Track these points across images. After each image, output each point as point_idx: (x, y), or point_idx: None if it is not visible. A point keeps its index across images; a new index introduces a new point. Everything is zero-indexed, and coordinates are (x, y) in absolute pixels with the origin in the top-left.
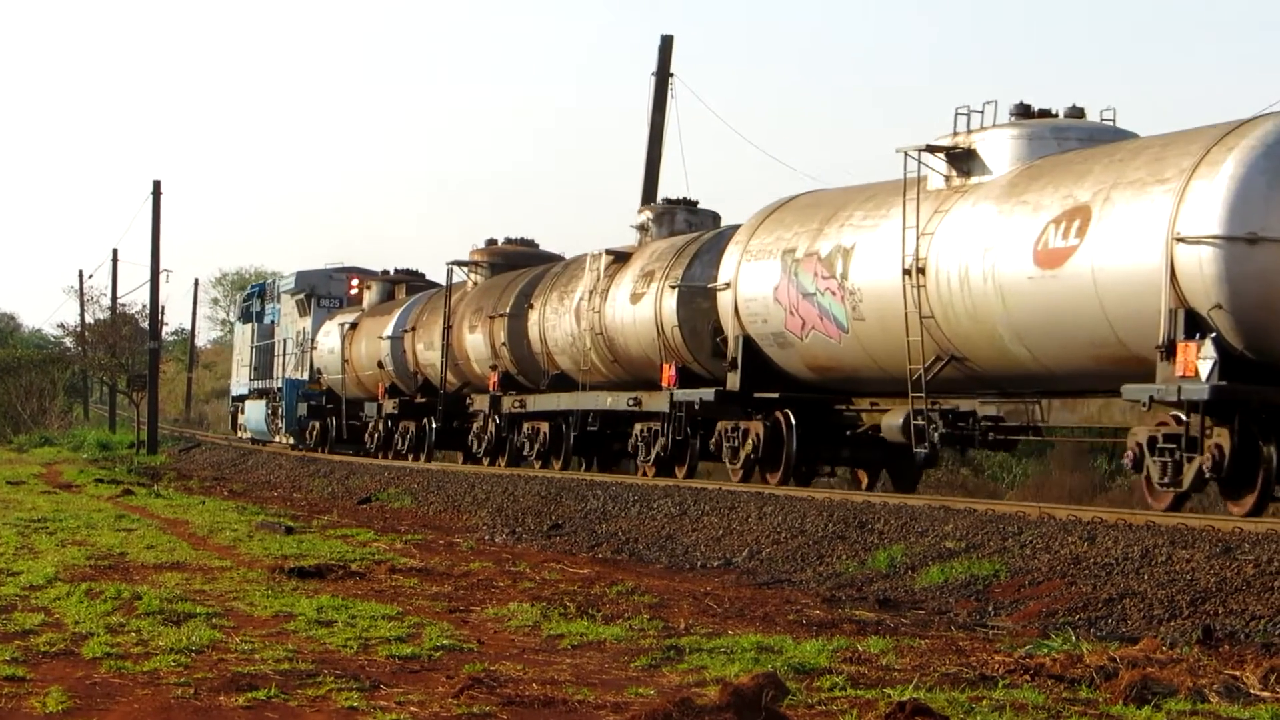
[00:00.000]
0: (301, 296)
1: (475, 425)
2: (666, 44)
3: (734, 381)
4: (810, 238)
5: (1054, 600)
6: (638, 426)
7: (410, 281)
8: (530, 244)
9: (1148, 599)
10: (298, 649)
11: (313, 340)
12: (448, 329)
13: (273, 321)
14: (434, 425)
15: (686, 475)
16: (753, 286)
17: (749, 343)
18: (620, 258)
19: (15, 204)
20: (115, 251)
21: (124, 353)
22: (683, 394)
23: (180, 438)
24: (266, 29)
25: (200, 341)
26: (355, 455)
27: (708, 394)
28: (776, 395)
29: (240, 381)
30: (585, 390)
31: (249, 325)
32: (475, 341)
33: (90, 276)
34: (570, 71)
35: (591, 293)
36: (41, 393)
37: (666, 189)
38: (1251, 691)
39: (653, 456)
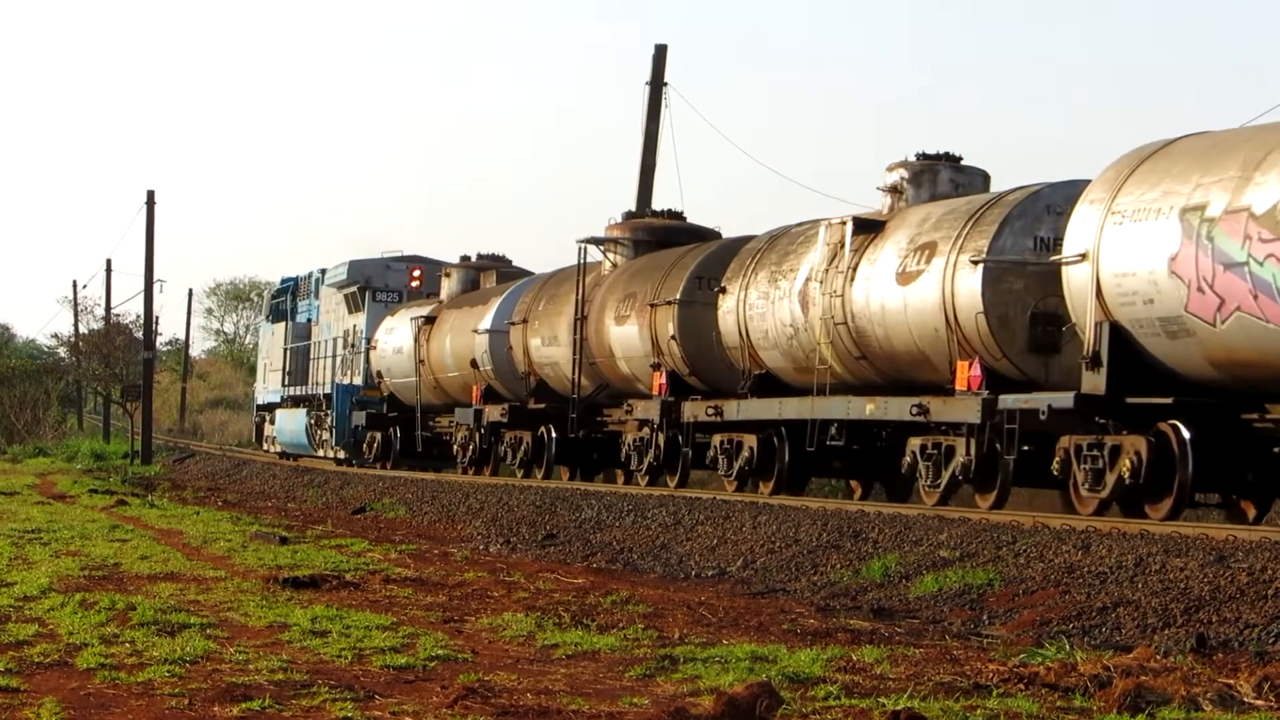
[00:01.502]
0: (353, 290)
1: (631, 437)
2: (660, 53)
3: (1095, 383)
4: (1230, 187)
5: (1048, 609)
6: (915, 442)
7: (499, 268)
8: (679, 216)
9: (1142, 607)
10: (292, 659)
11: (369, 339)
12: (581, 320)
13: (309, 320)
14: (553, 435)
15: (994, 505)
16: (1127, 257)
17: (1118, 332)
18: (869, 227)
19: (9, 214)
20: (109, 261)
21: (118, 363)
22: (1014, 400)
23: (175, 448)
24: (261, 39)
25: (194, 351)
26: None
27: (1062, 399)
28: (1169, 401)
29: (268, 388)
30: (821, 395)
31: (280, 325)
32: (625, 335)
33: (84, 286)
34: (562, 81)
35: (827, 271)
36: (35, 403)
37: (660, 198)
38: (1245, 700)
39: (945, 480)
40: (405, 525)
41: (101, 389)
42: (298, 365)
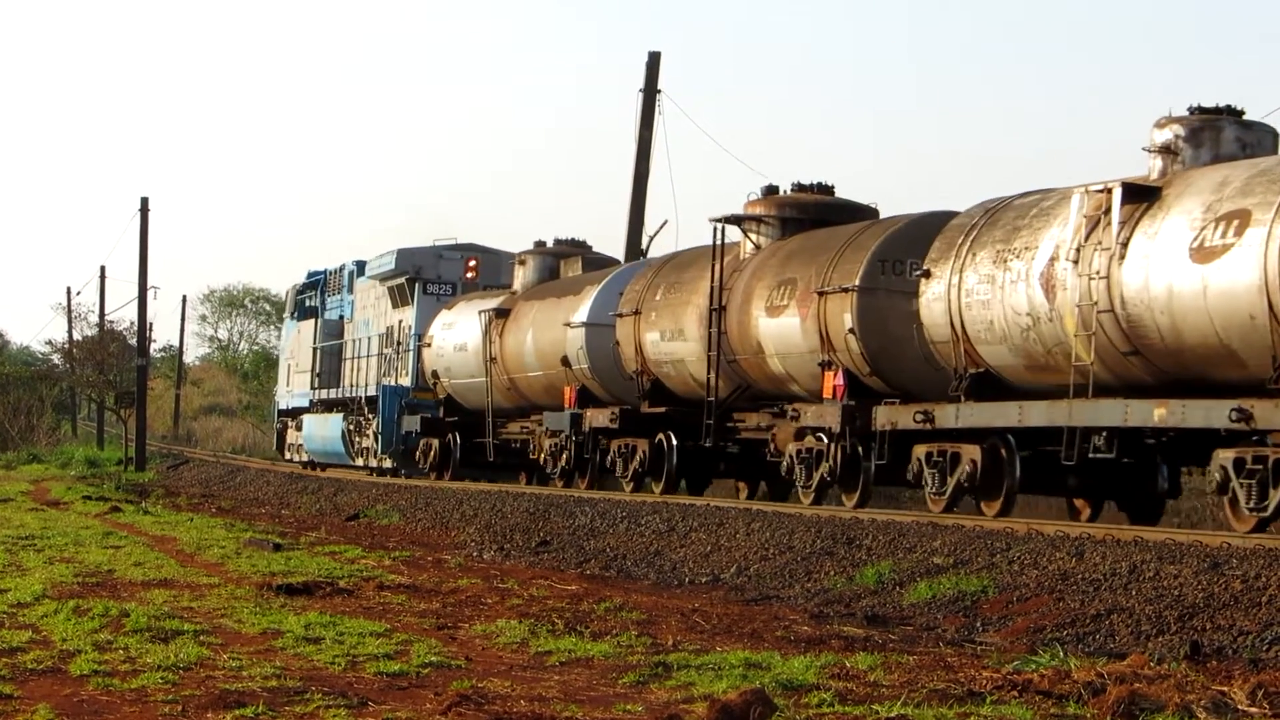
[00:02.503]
0: (400, 281)
1: (793, 448)
2: (654, 60)
3: None
4: None
5: (1042, 616)
6: (1226, 455)
7: (583, 254)
8: (829, 190)
9: (1135, 615)
10: (285, 666)
11: (420, 335)
12: (717, 312)
13: (341, 316)
14: (674, 444)
15: None
16: None
17: None
18: (1141, 194)
19: (3, 221)
20: (103, 268)
21: (112, 369)
22: None
23: (168, 455)
24: (255, 46)
25: (188, 358)
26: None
27: None
28: None
29: (293, 392)
30: (1080, 397)
31: (307, 323)
32: (780, 329)
33: (78, 293)
34: (556, 88)
35: (1082, 249)
36: (29, 410)
37: (654, 203)
38: (1239, 707)
39: (1272, 504)
40: (399, 532)
41: (95, 396)
42: (329, 366)
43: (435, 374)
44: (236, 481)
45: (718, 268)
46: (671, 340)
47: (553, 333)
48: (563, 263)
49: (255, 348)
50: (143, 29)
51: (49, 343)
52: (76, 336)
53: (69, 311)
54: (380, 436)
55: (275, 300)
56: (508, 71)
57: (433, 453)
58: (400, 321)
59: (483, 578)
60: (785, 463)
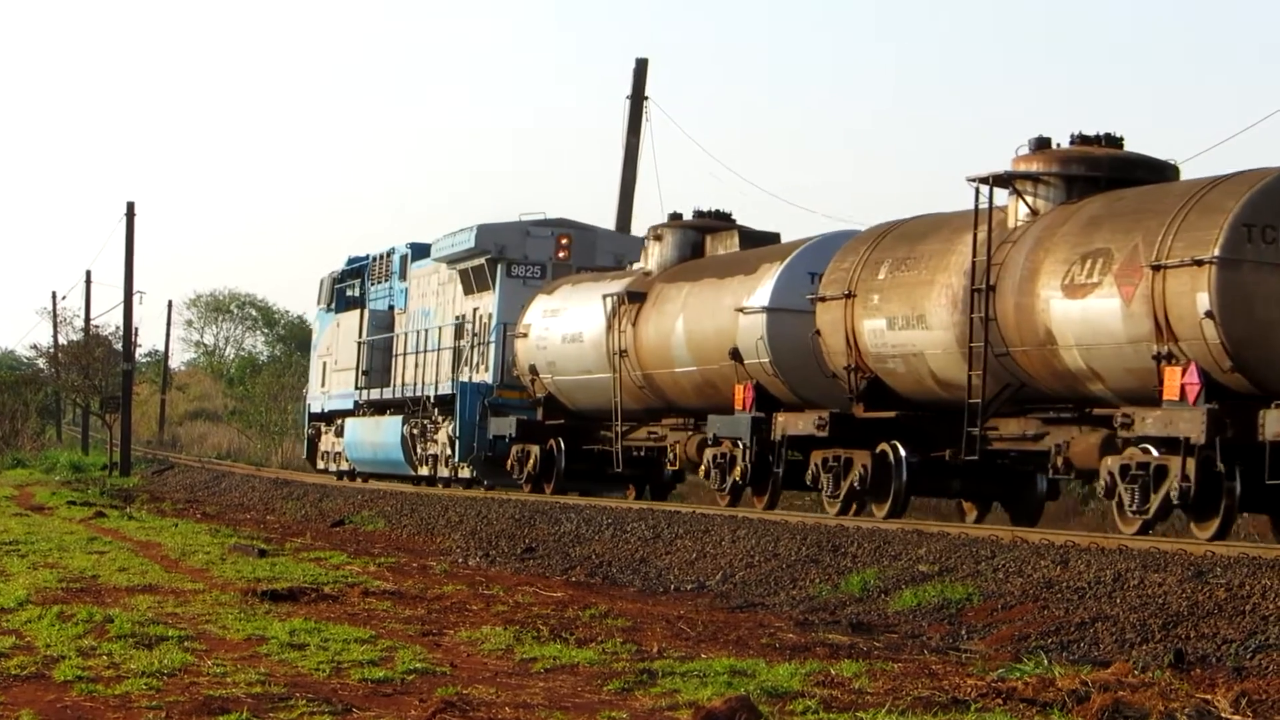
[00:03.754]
0: (479, 263)
1: (1114, 462)
2: (641, 67)
3: None
4: None
5: (1026, 624)
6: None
7: (739, 229)
8: (1118, 143)
9: (1120, 623)
10: (270, 672)
11: (510, 324)
12: (983, 292)
13: (392, 307)
14: (902, 456)
15: None
16: None
17: None
18: None
19: None
20: (89, 273)
21: (97, 374)
22: None
23: (153, 460)
24: (240, 50)
25: (174, 363)
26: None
27: None
28: None
29: (330, 393)
30: None
31: (349, 314)
32: (1089, 313)
33: (63, 298)
34: (543, 93)
35: None
36: (14, 414)
37: (640, 210)
38: (1223, 715)
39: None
40: (384, 538)
41: (80, 400)
42: (378, 362)
43: (534, 369)
44: (221, 487)
45: (990, 240)
46: (904, 329)
47: (715, 320)
48: (709, 238)
49: (241, 353)
50: (130, 33)
51: (34, 347)
52: (62, 341)
53: (54, 316)
54: (458, 442)
55: (261, 305)
56: (493, 79)
57: (531, 461)
58: (475, 309)
59: (468, 584)
60: (1103, 483)
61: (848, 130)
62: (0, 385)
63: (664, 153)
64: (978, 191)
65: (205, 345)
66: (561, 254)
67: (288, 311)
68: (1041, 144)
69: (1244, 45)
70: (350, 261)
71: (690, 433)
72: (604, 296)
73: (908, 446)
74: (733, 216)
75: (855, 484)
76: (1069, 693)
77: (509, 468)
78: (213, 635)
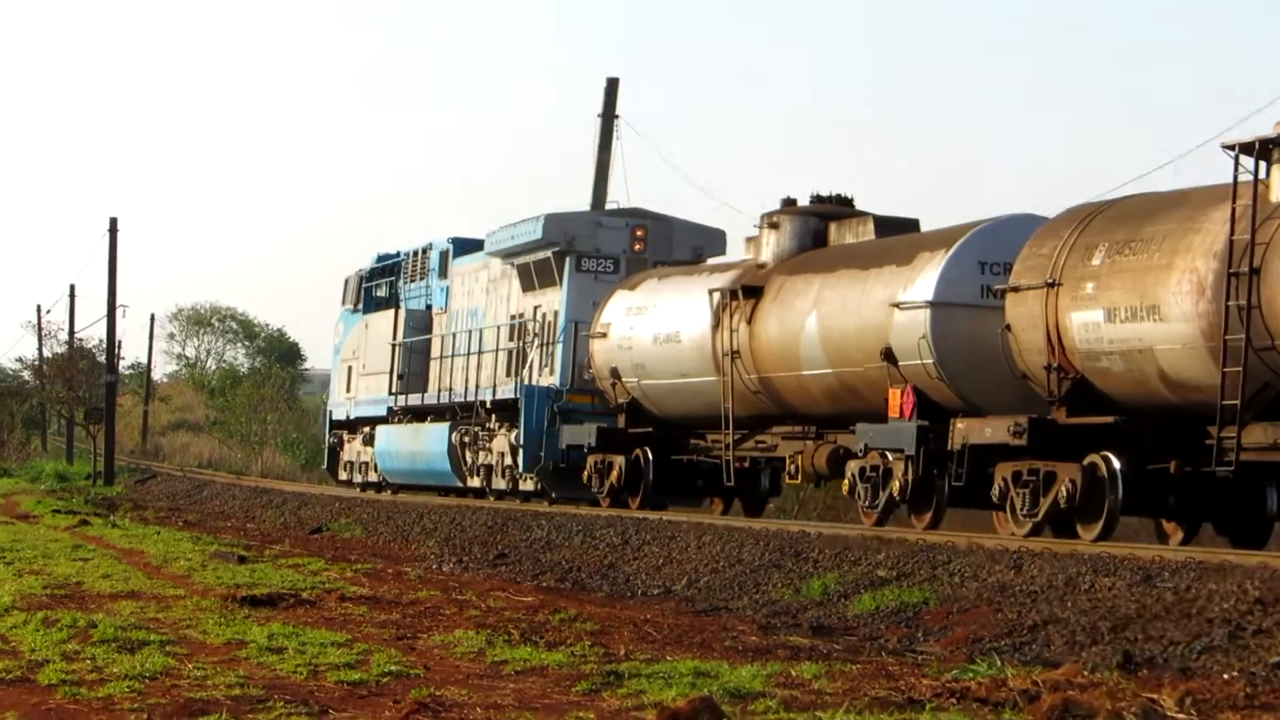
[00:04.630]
0: (546, 255)
1: None
2: (612, 86)
3: None
4: None
5: (981, 627)
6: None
7: (871, 215)
8: None
9: (1071, 625)
10: (249, 675)
11: (584, 323)
12: (1245, 277)
13: (429, 306)
14: (1117, 469)
15: None
16: None
17: None
18: None
19: None
20: (72, 287)
21: (81, 386)
22: None
23: (136, 469)
24: (222, 64)
25: (156, 375)
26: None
27: None
28: None
29: (357, 398)
30: None
31: (380, 315)
32: None
33: (48, 312)
34: (515, 112)
35: None
36: (0, 423)
37: None
38: (1168, 714)
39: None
40: (361, 545)
41: (65, 411)
42: (415, 366)
43: (615, 372)
44: (203, 495)
45: (1254, 216)
46: (1129, 321)
47: (860, 316)
48: (834, 225)
49: (222, 365)
50: (114, 49)
51: (19, 360)
52: (46, 354)
53: (39, 329)
54: (523, 451)
55: (242, 318)
56: (468, 96)
57: (616, 473)
58: (537, 307)
59: (441, 589)
60: None
61: (821, 148)
62: None
63: (635, 170)
64: (1237, 160)
65: (187, 358)
66: (637, 246)
67: (268, 324)
68: None
69: None
70: (380, 259)
71: (812, 441)
72: (710, 291)
73: (1121, 458)
74: (854, 202)
75: (1061, 501)
76: (1020, 692)
77: (585, 480)
78: (193, 639)
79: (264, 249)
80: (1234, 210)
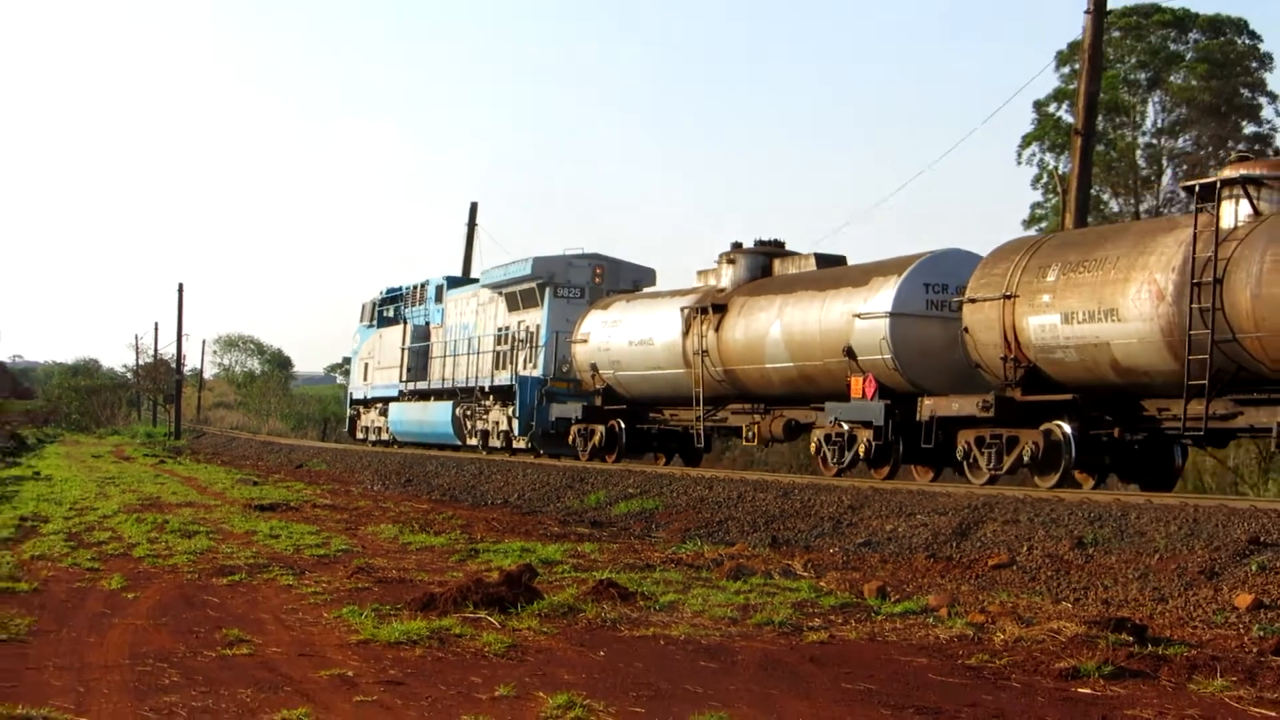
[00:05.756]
0: (532, 286)
1: None
2: (474, 207)
3: None
4: None
5: (689, 522)
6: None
7: (813, 253)
8: None
9: (741, 521)
10: (258, 551)
11: (569, 333)
12: (1207, 285)
13: (428, 323)
14: (1068, 434)
15: None
16: None
17: None
18: None
19: (97, 292)
20: (156, 324)
21: (161, 381)
22: None
23: (194, 430)
24: (246, 172)
25: (206, 375)
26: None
27: None
28: None
29: (373, 385)
30: None
31: (391, 329)
32: None
33: (141, 338)
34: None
35: None
36: (113, 404)
37: None
38: (798, 572)
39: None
40: (325, 475)
41: (151, 397)
42: (418, 363)
43: (594, 367)
44: (232, 446)
45: (1216, 241)
46: (1088, 322)
47: (820, 324)
48: (777, 261)
49: (245, 369)
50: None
51: (124, 365)
52: (141, 362)
53: (136, 347)
54: (518, 421)
55: (256, 341)
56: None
57: (598, 437)
58: (520, 322)
59: (373, 500)
60: None
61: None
62: (105, 388)
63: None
64: (1196, 196)
65: (224, 365)
66: (597, 279)
67: (271, 344)
68: (1253, 154)
69: None
70: (388, 291)
71: (762, 415)
72: (681, 309)
73: (1072, 425)
74: (785, 244)
75: (1025, 457)
76: (711, 560)
77: (570, 442)
78: (226, 530)
79: (270, 294)
80: (1195, 234)
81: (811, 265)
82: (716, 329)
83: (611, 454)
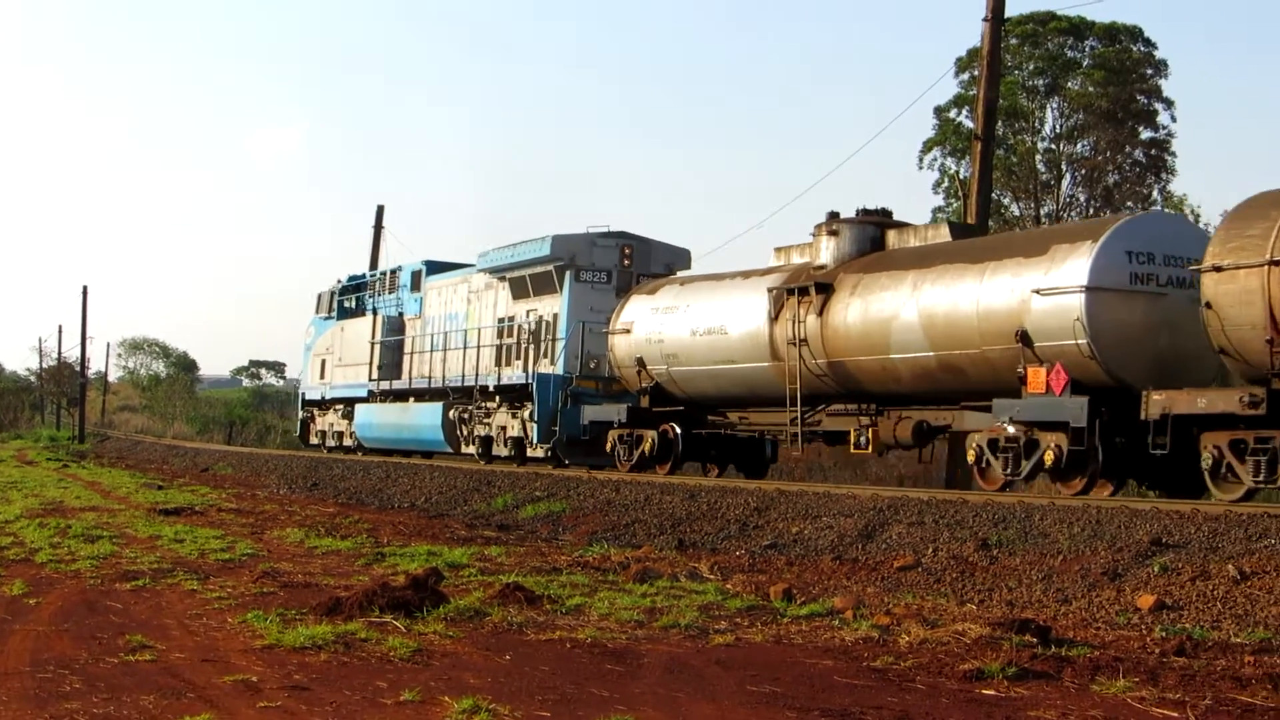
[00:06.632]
0: (548, 269)
1: None
2: (380, 210)
3: None
4: None
5: (596, 525)
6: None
7: (946, 221)
8: None
9: (648, 524)
10: (162, 556)
11: (593, 324)
12: None
13: (401, 314)
14: None
15: None
16: None
17: None
18: None
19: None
20: (60, 327)
21: (65, 385)
22: None
23: (98, 434)
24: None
25: (111, 378)
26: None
27: None
28: None
29: (332, 384)
30: None
31: (353, 321)
32: None
33: (44, 340)
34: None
35: None
36: (16, 408)
37: None
38: (705, 576)
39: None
40: (231, 479)
41: (55, 400)
42: (392, 359)
43: (640, 361)
44: (137, 450)
45: None
46: None
47: (977, 304)
48: (891, 233)
49: (149, 372)
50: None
51: (28, 369)
52: (44, 365)
53: (40, 351)
54: (537, 426)
55: (160, 344)
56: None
57: (648, 444)
58: (530, 311)
59: (279, 504)
60: None
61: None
62: (8, 391)
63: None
64: None
65: (129, 368)
66: (625, 262)
67: (177, 348)
68: None
69: None
70: (350, 279)
71: (875, 418)
72: (769, 290)
73: None
74: (893, 213)
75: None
76: (618, 563)
77: (609, 450)
78: (130, 535)
79: (176, 297)
80: None
81: (944, 235)
82: (819, 313)
83: (664, 464)
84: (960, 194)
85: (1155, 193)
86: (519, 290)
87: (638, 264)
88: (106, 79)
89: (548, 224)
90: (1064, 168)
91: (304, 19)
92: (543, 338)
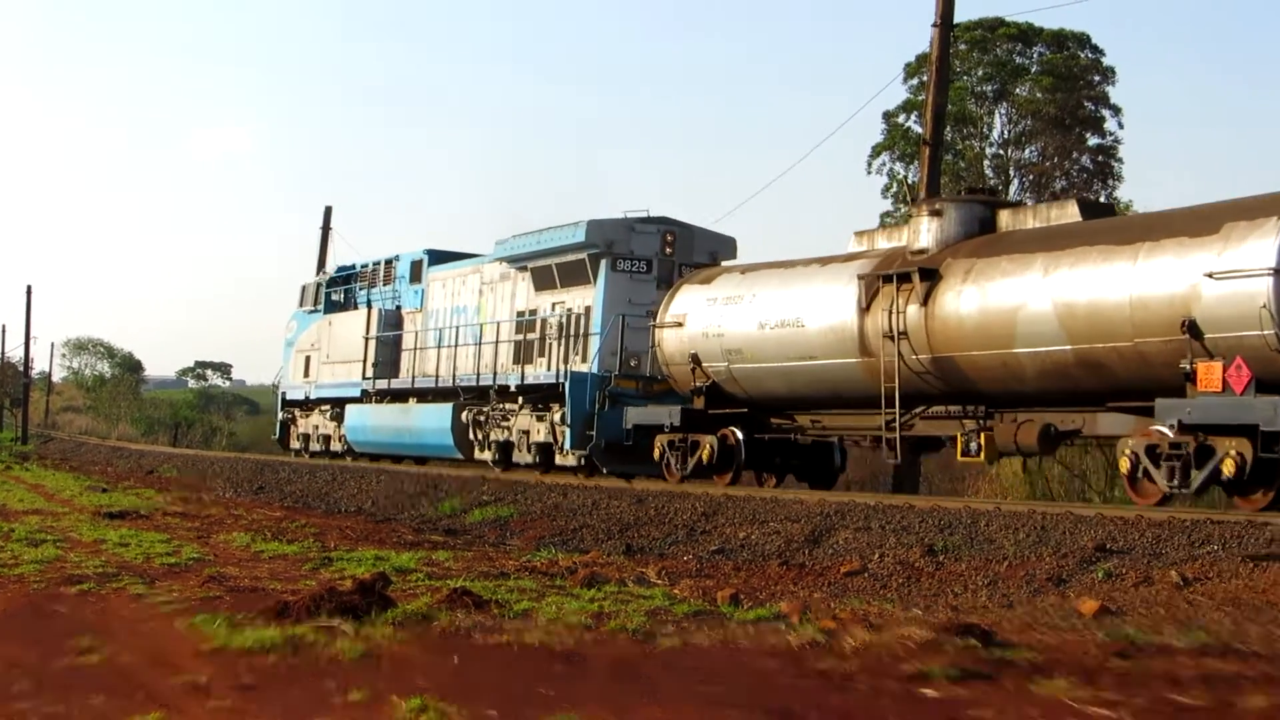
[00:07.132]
0: (581, 257)
1: None
2: (328, 210)
3: None
4: None
5: (544, 530)
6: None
7: (1074, 198)
8: None
9: (595, 529)
10: (108, 560)
11: (635, 318)
12: None
13: (398, 307)
14: None
15: None
16: None
17: None
18: None
19: None
20: (3, 327)
21: (8, 385)
22: None
23: (42, 435)
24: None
25: (55, 378)
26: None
27: None
28: None
29: (323, 382)
30: None
31: (344, 315)
32: None
33: None
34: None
35: None
36: None
37: None
38: (652, 580)
39: None
40: (177, 481)
41: None
42: (387, 356)
43: (696, 358)
44: (81, 451)
45: None
46: None
47: (1130, 291)
48: (1005, 213)
49: (94, 373)
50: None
51: None
52: None
53: None
54: (570, 430)
55: (105, 345)
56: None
57: (707, 450)
58: (557, 304)
59: (225, 508)
60: None
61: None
62: None
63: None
64: None
65: (73, 368)
66: (667, 250)
67: (122, 348)
68: None
69: None
70: (340, 270)
71: (985, 421)
72: (859, 277)
73: None
74: (999, 192)
75: None
76: (566, 568)
77: (658, 457)
78: (74, 539)
79: (121, 297)
80: None
81: (1072, 214)
82: (923, 303)
83: (723, 474)
84: (909, 199)
85: (1102, 199)
86: (543, 281)
87: (680, 252)
88: (53, 78)
89: (499, 227)
90: (1012, 173)
91: (260, 21)
92: (572, 333)
